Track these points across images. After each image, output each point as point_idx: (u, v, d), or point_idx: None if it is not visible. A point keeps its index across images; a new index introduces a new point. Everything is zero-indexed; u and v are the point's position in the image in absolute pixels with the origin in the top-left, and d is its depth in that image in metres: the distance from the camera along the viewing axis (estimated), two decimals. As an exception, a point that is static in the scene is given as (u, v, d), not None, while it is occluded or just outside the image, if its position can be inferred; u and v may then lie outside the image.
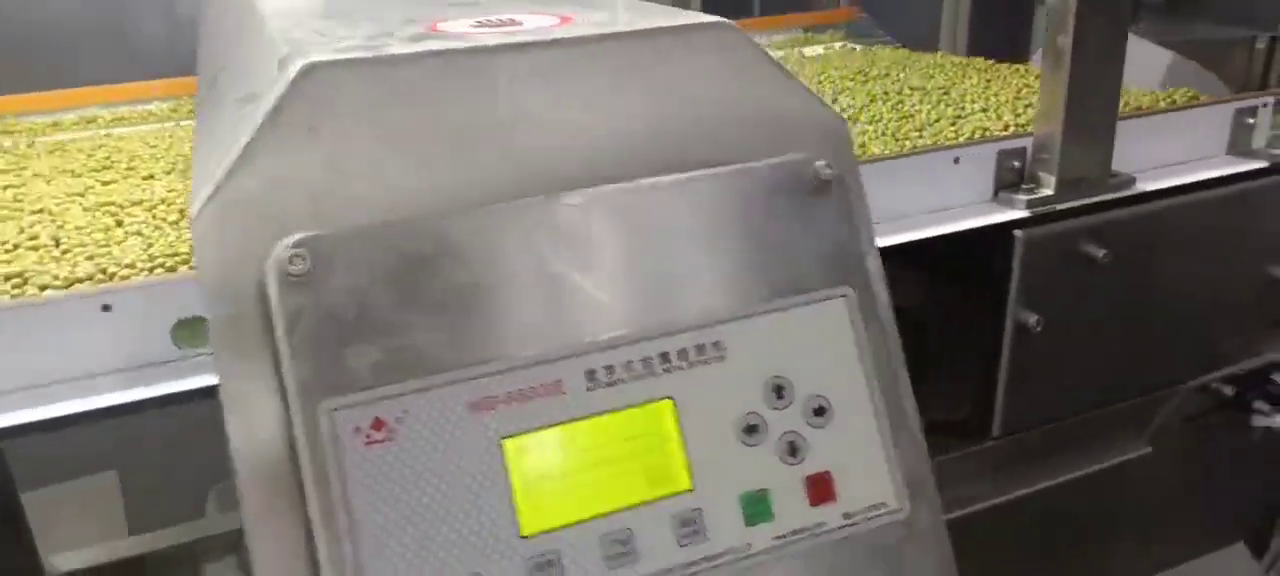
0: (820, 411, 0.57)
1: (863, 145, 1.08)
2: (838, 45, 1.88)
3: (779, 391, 0.56)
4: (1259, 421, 1.15)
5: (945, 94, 1.29)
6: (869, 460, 0.57)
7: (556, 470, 0.51)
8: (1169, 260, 1.08)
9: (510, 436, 0.50)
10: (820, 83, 1.44)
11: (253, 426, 0.49)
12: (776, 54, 1.82)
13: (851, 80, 1.43)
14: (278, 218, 0.50)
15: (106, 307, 0.68)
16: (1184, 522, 1.29)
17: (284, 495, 0.48)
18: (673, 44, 0.60)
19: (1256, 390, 1.15)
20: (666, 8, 0.68)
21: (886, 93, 1.32)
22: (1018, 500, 1.11)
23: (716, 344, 0.55)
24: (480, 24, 0.64)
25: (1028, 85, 1.33)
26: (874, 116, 1.20)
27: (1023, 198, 1.00)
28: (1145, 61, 1.90)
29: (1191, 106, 1.12)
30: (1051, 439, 1.12)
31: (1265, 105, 1.12)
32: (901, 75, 1.45)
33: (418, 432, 0.49)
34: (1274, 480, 1.29)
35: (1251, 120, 1.11)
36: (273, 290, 0.48)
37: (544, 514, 0.50)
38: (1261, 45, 2.19)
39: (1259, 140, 1.12)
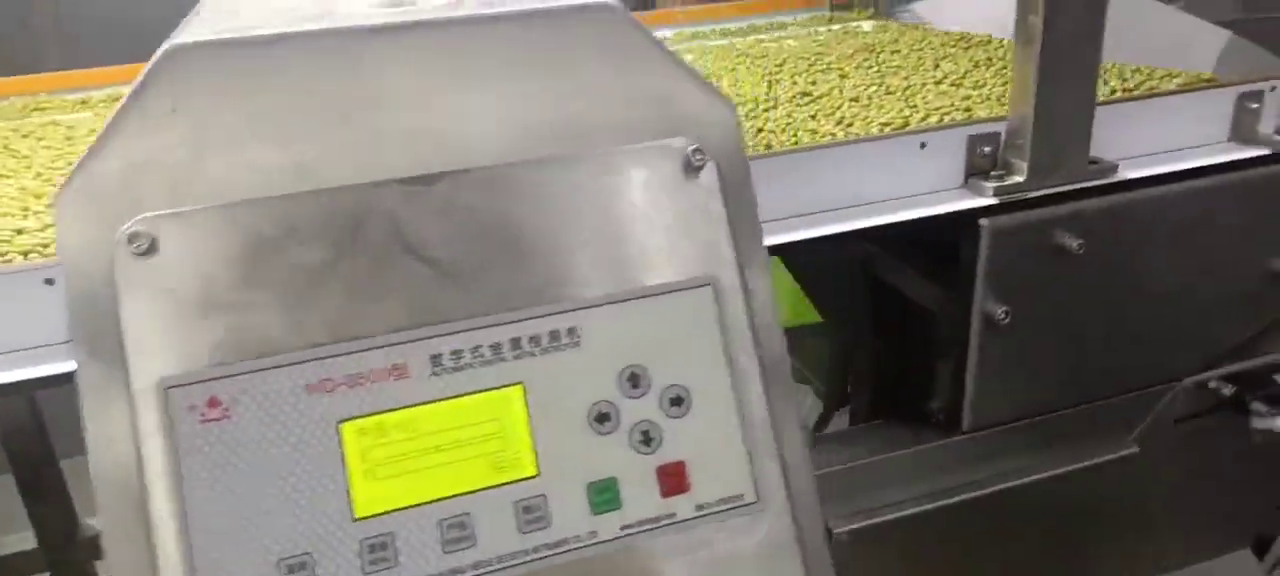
0: (678, 401, 0.56)
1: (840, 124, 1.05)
2: (867, 25, 1.83)
3: (635, 380, 0.55)
4: (1258, 424, 1.09)
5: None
6: (727, 452, 0.56)
7: (396, 454, 0.52)
8: (1154, 252, 1.02)
9: (348, 419, 0.51)
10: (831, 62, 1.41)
11: (105, 403, 0.50)
12: (802, 32, 1.79)
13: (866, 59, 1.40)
14: (134, 198, 0.52)
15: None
16: (1181, 525, 1.23)
17: (130, 475, 0.50)
18: (551, 27, 0.59)
19: (1256, 390, 1.09)
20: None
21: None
22: (994, 495, 1.08)
23: (572, 330, 0.55)
24: (378, 4, 0.64)
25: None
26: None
27: (992, 184, 0.96)
28: (1197, 42, 1.80)
29: (1189, 89, 1.05)
30: (1031, 433, 1.08)
31: (1273, 89, 1.05)
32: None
33: (254, 413, 0.50)
34: (1276, 485, 1.22)
35: (1255, 105, 1.05)
36: (117, 269, 0.50)
37: (380, 497, 0.51)
38: (1328, 22, 2.05)
39: (1266, 126, 1.06)
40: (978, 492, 1.06)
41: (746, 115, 1.13)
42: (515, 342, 0.54)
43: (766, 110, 1.15)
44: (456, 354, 0.53)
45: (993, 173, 0.99)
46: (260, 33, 0.56)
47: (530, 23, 0.59)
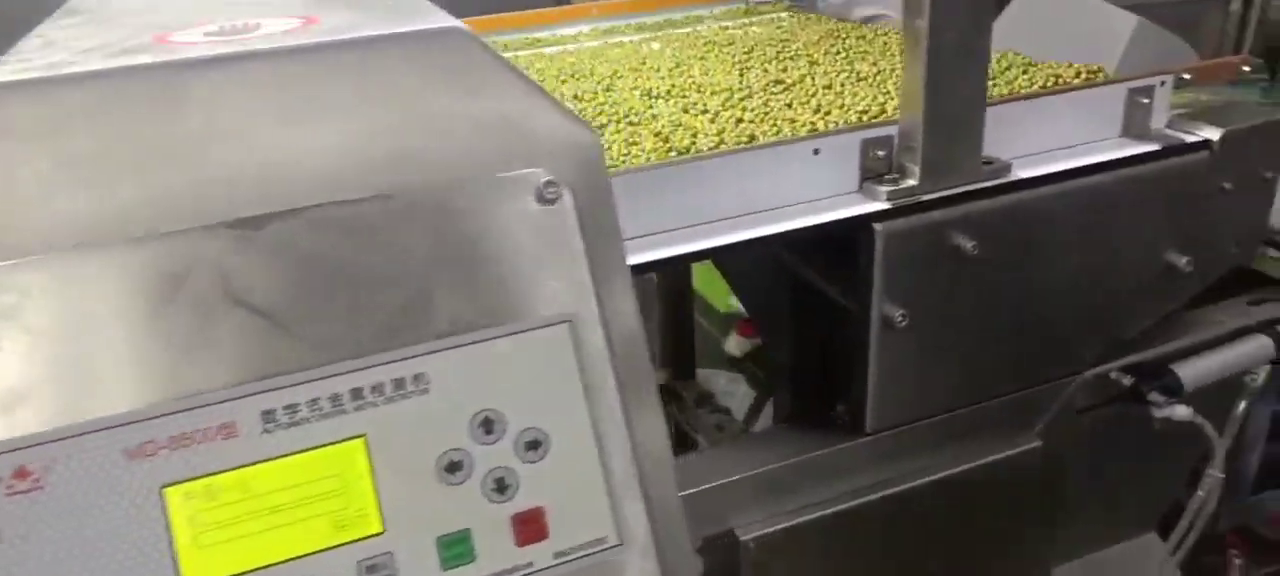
0: (535, 445, 0.54)
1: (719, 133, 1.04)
2: (784, 15, 1.82)
3: (488, 425, 0.53)
4: (1158, 412, 1.11)
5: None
6: (587, 494, 0.54)
7: (227, 518, 0.49)
8: (1050, 250, 1.03)
9: (172, 484, 0.48)
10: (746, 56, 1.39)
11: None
12: (716, 26, 1.77)
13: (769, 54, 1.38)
14: (-65, 253, 0.48)
15: None
16: (1089, 513, 1.25)
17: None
18: (392, 54, 0.57)
19: (1153, 381, 1.11)
20: (417, 8, 0.64)
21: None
22: (901, 494, 1.08)
23: (418, 377, 0.52)
24: (215, 33, 0.61)
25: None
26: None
27: (885, 188, 0.96)
28: (1107, 28, 1.83)
29: (1081, 87, 1.06)
30: (936, 431, 1.08)
31: (1162, 84, 1.06)
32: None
33: (69, 482, 0.47)
34: (1178, 469, 1.25)
35: (1146, 100, 1.05)
36: (-90, 332, 0.46)
37: (210, 565, 0.48)
38: (1236, 6, 2.11)
39: (1157, 120, 1.07)
40: (885, 493, 1.06)
41: (723, 104, 1.11)
42: (356, 393, 0.51)
43: (742, 99, 1.13)
44: (291, 408, 0.50)
45: (887, 176, 0.98)
46: (73, 70, 0.52)
47: (369, 50, 0.56)
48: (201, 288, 0.50)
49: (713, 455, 1.10)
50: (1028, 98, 1.03)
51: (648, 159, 0.95)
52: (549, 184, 0.56)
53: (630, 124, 1.06)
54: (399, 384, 0.52)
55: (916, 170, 0.96)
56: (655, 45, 1.56)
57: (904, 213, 0.96)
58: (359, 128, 0.55)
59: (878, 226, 0.95)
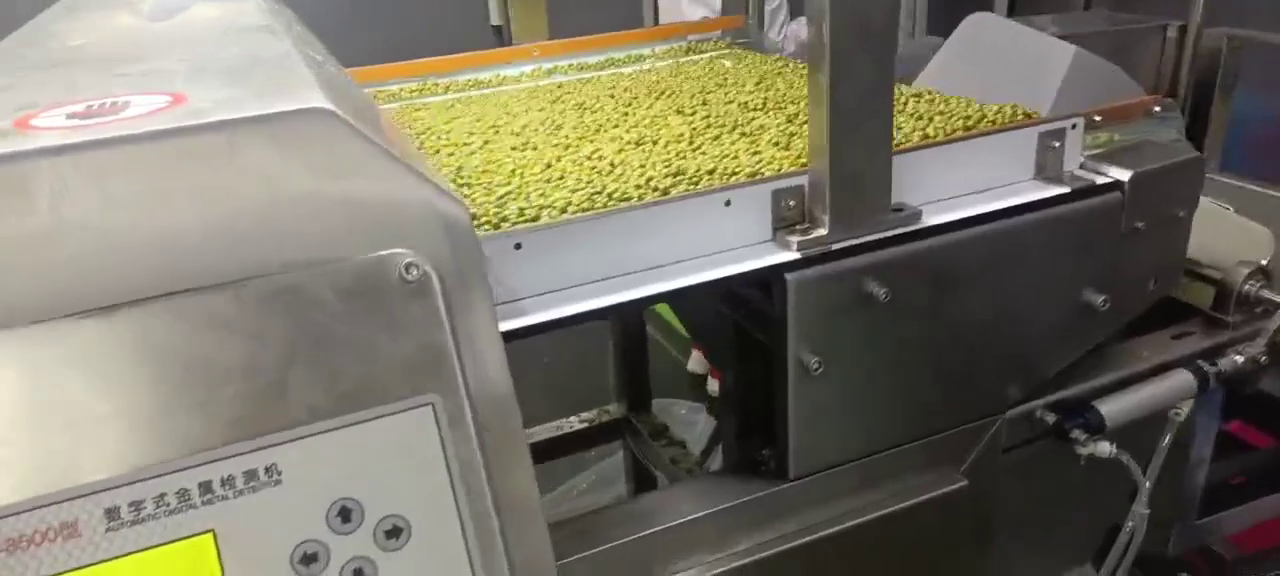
0: (395, 532, 0.53)
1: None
2: (720, 52, 1.83)
3: (346, 514, 0.53)
4: (1081, 450, 1.11)
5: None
6: (450, 579, 0.54)
7: (69, 619, 0.48)
8: (965, 293, 1.03)
9: (9, 588, 0.47)
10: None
11: None
12: (661, 64, 1.78)
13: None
14: None
15: None
16: (1020, 549, 1.25)
17: None
18: (257, 136, 0.56)
19: (1076, 418, 1.11)
20: (292, 82, 0.64)
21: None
22: (827, 539, 1.08)
23: (271, 468, 0.52)
24: (79, 114, 0.60)
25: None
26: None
27: (796, 238, 0.96)
28: (1047, 59, 1.85)
29: (992, 132, 1.07)
30: (861, 474, 1.08)
31: (1073, 127, 1.07)
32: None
33: (-101, 589, 0.46)
34: (1109, 502, 1.25)
35: (1057, 144, 1.07)
36: None
37: (49, 668, 0.47)
38: (1172, 34, 2.14)
39: (1070, 162, 1.08)
40: (811, 538, 1.06)
41: (645, 155, 1.11)
42: (205, 487, 0.50)
43: (665, 146, 1.14)
44: (136, 505, 0.49)
45: (799, 226, 0.99)
46: (-82, 164, 0.51)
47: (234, 133, 0.55)
48: (44, 383, 0.49)
49: (638, 505, 1.10)
50: (938, 144, 1.04)
51: (560, 211, 0.95)
52: (411, 265, 0.55)
53: (543, 178, 1.05)
54: (250, 476, 0.51)
55: (826, 219, 0.96)
56: (584, 88, 1.56)
57: (815, 262, 0.96)
58: (217, 214, 0.55)
59: (789, 276, 0.95)
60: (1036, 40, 1.92)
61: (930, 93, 1.29)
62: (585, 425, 2.09)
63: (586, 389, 2.17)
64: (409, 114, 1.42)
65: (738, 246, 0.98)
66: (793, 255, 0.96)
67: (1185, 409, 1.15)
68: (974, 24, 1.99)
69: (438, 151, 1.15)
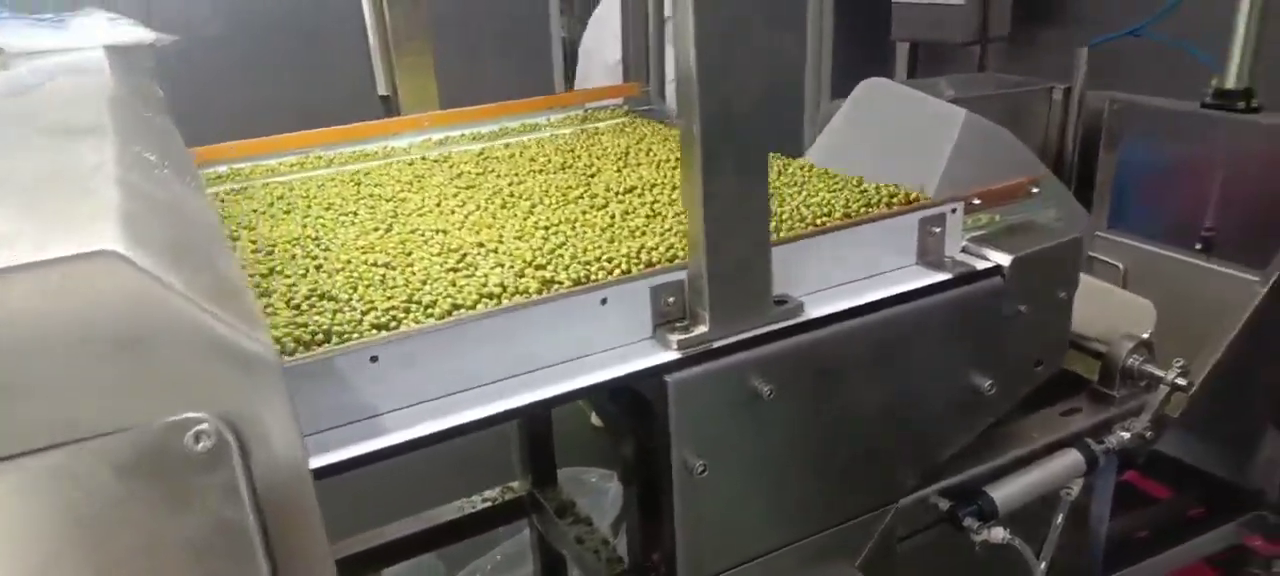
0: None
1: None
2: (618, 120, 1.81)
3: None
4: (975, 537, 1.09)
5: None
6: None
7: None
8: (850, 384, 1.01)
9: None
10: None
11: None
12: (559, 132, 1.75)
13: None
14: None
15: None
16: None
17: None
18: (19, 286, 0.49)
19: (968, 505, 1.09)
20: (86, 211, 0.57)
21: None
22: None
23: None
24: None
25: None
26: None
27: (676, 337, 0.92)
28: (939, 124, 1.88)
29: (873, 219, 1.05)
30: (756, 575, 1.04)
31: (953, 211, 1.07)
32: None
33: None
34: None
35: (938, 229, 1.06)
36: None
37: None
38: (1058, 96, 2.20)
39: (950, 248, 1.07)
40: (705, 644, 1.01)
41: (524, 246, 1.05)
42: None
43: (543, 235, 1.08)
44: None
45: (680, 322, 0.95)
46: None
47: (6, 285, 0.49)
48: None
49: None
50: (819, 233, 1.02)
51: (424, 314, 0.89)
52: (201, 433, 0.49)
53: (407, 277, 0.99)
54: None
55: (706, 316, 0.93)
56: (466, 164, 1.50)
57: (696, 361, 0.92)
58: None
59: (670, 378, 0.91)
60: (928, 105, 1.95)
61: (815, 170, 1.28)
62: (488, 504, 2.01)
63: (489, 461, 2.09)
64: (278, 196, 1.35)
65: (617, 345, 0.94)
66: (673, 355, 0.92)
67: (1075, 488, 1.14)
68: (867, 89, 2.01)
69: (294, 244, 1.08)
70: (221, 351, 0.52)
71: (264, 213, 1.24)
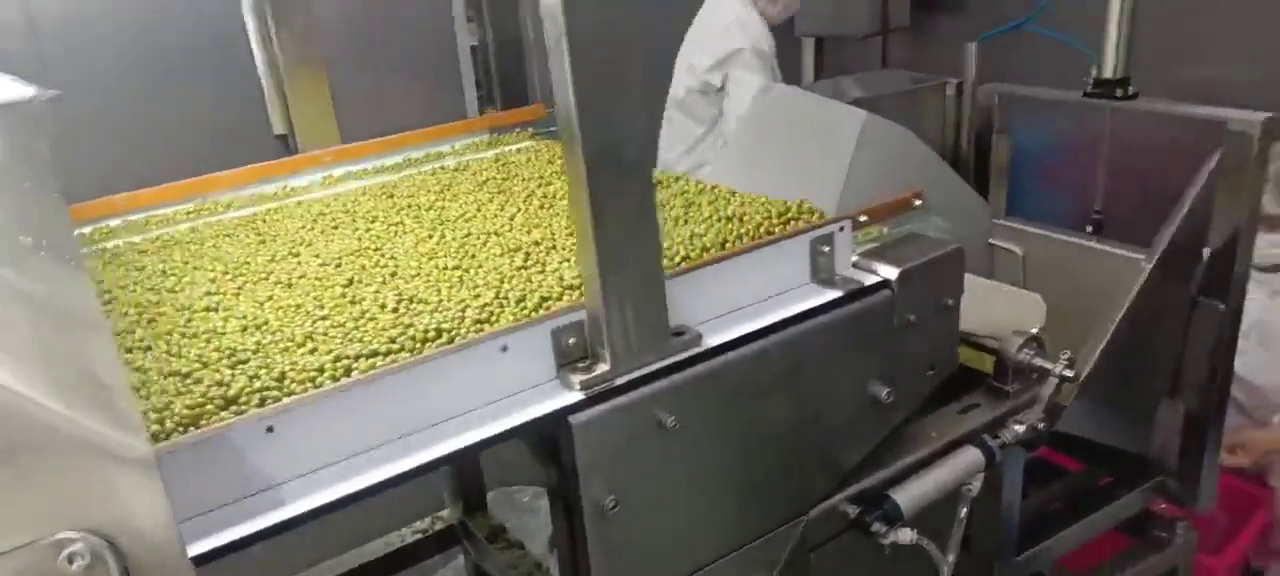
0: None
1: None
2: (523, 145, 1.81)
3: None
4: (883, 540, 1.13)
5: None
6: None
7: None
8: (753, 405, 1.03)
9: None
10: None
11: None
12: (468, 158, 1.74)
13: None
14: None
15: None
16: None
17: None
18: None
19: (874, 510, 1.13)
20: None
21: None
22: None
23: None
24: None
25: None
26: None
27: (579, 378, 0.93)
28: (840, 126, 1.92)
29: (765, 243, 1.07)
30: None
31: (841, 230, 1.10)
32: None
33: None
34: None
35: (827, 248, 1.09)
36: None
37: None
38: (950, 93, 2.26)
39: (841, 265, 1.10)
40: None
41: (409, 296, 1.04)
42: None
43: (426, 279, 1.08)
44: None
45: (582, 362, 0.96)
46: None
47: None
48: None
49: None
50: (712, 261, 1.04)
51: (320, 375, 0.88)
52: (74, 555, 0.49)
53: (303, 335, 0.98)
54: None
55: (607, 354, 0.94)
56: (364, 203, 1.48)
57: (599, 399, 0.94)
58: None
59: (574, 420, 0.92)
60: (828, 109, 2.00)
61: (710, 189, 1.30)
62: (419, 536, 2.00)
63: (419, 489, 2.08)
64: (167, 253, 1.31)
65: (521, 389, 0.95)
66: (576, 396, 0.93)
67: (976, 483, 1.19)
68: (767, 94, 2.06)
69: (183, 312, 1.06)
70: (90, 460, 0.52)
71: (151, 274, 1.21)
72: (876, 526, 1.12)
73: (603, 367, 0.94)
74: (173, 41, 2.71)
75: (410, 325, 0.96)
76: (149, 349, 0.97)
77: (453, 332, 0.95)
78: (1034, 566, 1.60)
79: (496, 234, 1.21)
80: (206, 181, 1.62)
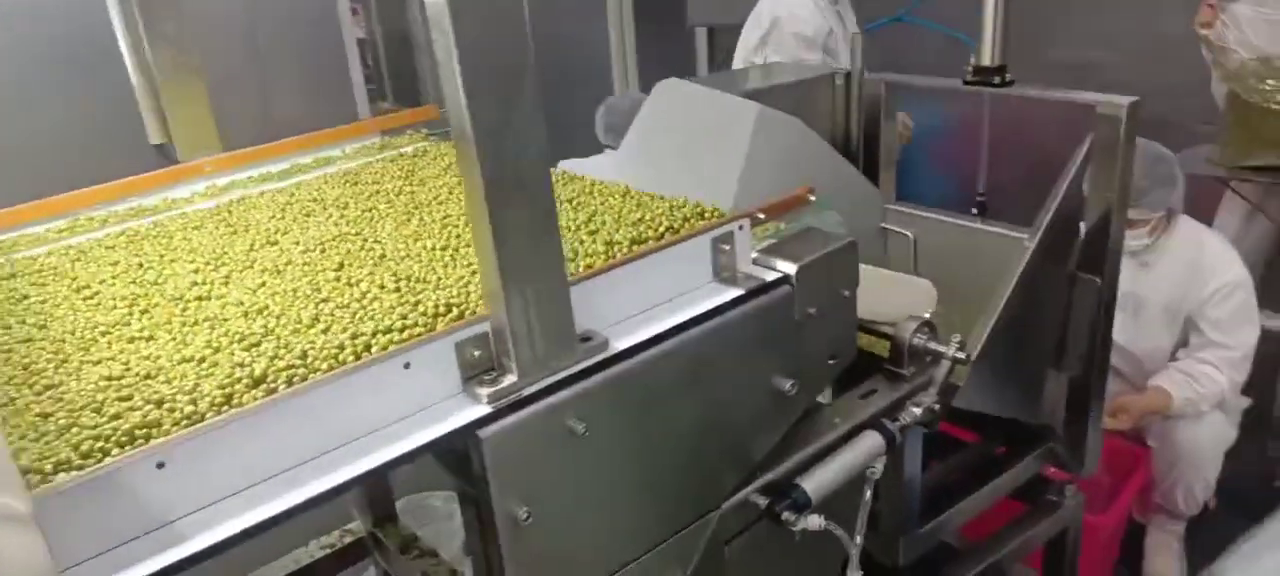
0: None
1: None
2: (412, 149, 1.77)
3: None
4: (794, 528, 1.15)
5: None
6: None
7: None
8: (662, 406, 1.04)
9: None
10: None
11: None
12: (356, 163, 1.69)
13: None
14: None
15: None
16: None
17: None
18: None
19: (783, 499, 1.15)
20: None
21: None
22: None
23: None
24: None
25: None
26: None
27: (486, 391, 0.92)
28: (735, 119, 1.94)
29: (667, 245, 1.08)
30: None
31: (740, 228, 1.12)
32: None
33: None
34: (834, 559, 1.31)
35: (728, 247, 1.10)
36: None
37: None
38: (840, 82, 2.31)
39: (742, 263, 1.12)
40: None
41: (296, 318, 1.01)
42: None
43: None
44: None
45: (488, 374, 0.95)
46: None
47: None
48: None
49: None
50: (616, 266, 1.04)
51: (210, 406, 0.84)
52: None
53: (190, 361, 0.93)
54: None
55: (513, 364, 0.93)
56: (249, 214, 1.43)
57: (508, 411, 0.93)
58: None
59: (483, 433, 0.91)
60: (723, 102, 2.02)
61: (613, 190, 1.30)
62: (327, 551, 1.95)
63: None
64: (37, 278, 1.24)
65: (428, 405, 0.93)
66: (484, 409, 0.92)
67: (879, 466, 1.23)
68: (665, 90, 2.06)
69: (60, 343, 1.00)
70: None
71: (23, 308, 1.14)
72: (786, 515, 1.14)
73: (510, 378, 0.93)
74: (40, 50, 2.54)
75: (307, 347, 0.92)
76: (20, 388, 0.91)
77: (354, 350, 0.92)
78: (937, 537, 1.66)
79: (387, 242, 1.18)
80: (78, 198, 1.53)
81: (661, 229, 1.13)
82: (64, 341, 1.01)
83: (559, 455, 0.97)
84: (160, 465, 0.78)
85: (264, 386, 0.87)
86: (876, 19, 2.52)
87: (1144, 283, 2.29)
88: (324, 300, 1.03)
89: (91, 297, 1.13)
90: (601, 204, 1.26)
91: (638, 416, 1.02)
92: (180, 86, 1.68)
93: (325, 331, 0.96)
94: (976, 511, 1.75)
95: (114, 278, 1.19)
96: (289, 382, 0.88)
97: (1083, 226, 1.62)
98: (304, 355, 0.91)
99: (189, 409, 0.84)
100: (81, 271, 1.23)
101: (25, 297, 1.16)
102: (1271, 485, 2.48)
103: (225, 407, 0.85)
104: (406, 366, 0.91)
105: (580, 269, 1.05)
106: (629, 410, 1.01)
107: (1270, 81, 2.54)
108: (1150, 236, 2.23)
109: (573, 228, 1.16)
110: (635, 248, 1.09)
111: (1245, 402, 2.38)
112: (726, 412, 1.11)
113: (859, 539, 1.24)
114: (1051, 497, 1.83)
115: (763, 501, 1.17)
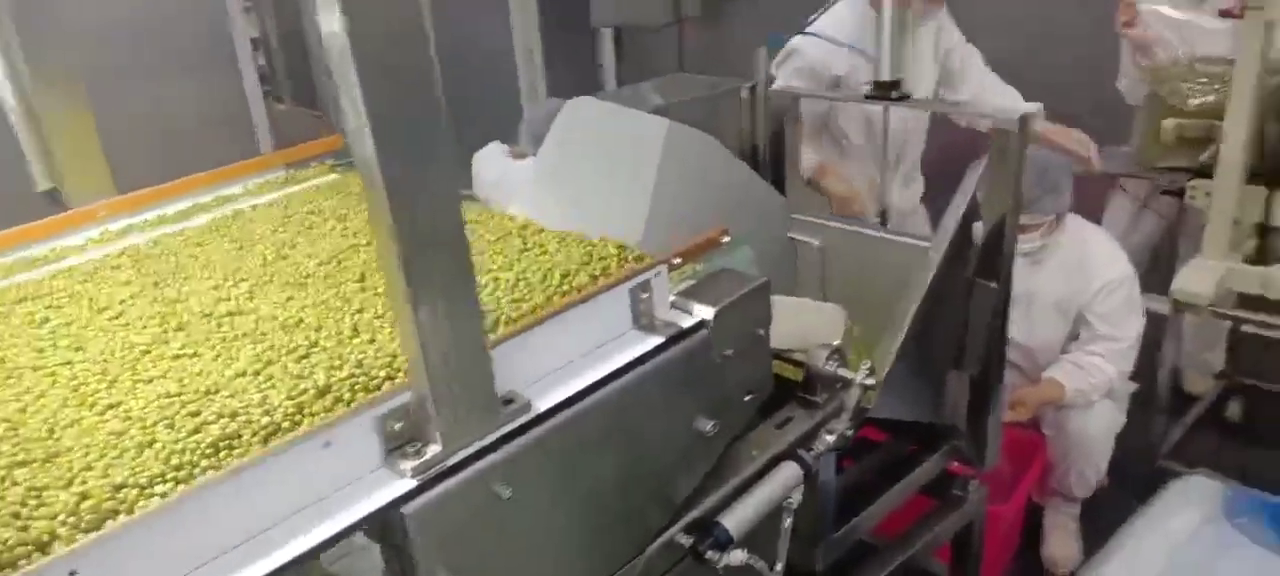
0: None
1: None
2: (325, 181, 1.72)
3: None
4: (718, 566, 1.18)
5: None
6: None
7: None
8: (588, 459, 1.05)
9: None
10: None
11: None
12: (257, 200, 1.63)
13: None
14: None
15: None
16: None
17: None
18: None
19: (706, 537, 1.18)
20: None
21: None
22: None
23: None
24: None
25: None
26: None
27: (409, 464, 0.92)
28: (644, 136, 1.95)
29: (584, 298, 1.08)
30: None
31: (658, 275, 1.13)
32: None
33: None
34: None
35: (646, 294, 1.12)
36: None
37: None
38: (745, 94, 2.34)
39: (660, 309, 1.14)
40: None
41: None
42: None
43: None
44: None
45: (411, 444, 0.94)
46: None
47: None
48: None
49: None
50: (535, 324, 1.04)
51: (124, 504, 0.82)
52: None
53: (98, 447, 0.90)
54: None
55: (437, 434, 0.93)
56: (152, 265, 1.38)
57: (433, 483, 0.92)
58: None
59: (407, 509, 0.90)
60: (632, 120, 2.03)
61: (528, 234, 1.30)
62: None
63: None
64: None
65: (349, 482, 0.92)
66: (408, 484, 0.91)
67: (796, 497, 1.26)
68: (572, 110, 2.05)
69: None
70: None
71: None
72: (709, 554, 1.17)
73: (434, 449, 0.93)
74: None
75: (218, 430, 0.90)
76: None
77: (266, 432, 0.91)
78: (853, 537, 1.72)
79: (298, 299, 1.16)
80: (-42, 251, 1.45)
81: (581, 280, 1.13)
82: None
83: (485, 521, 0.97)
84: (73, 574, 0.75)
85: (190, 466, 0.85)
86: (780, 28, 2.55)
87: (1035, 280, 2.40)
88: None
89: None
90: (521, 248, 1.26)
91: (563, 473, 1.03)
92: (69, 127, 1.59)
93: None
94: (888, 510, 1.81)
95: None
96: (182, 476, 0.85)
97: (977, 230, 1.68)
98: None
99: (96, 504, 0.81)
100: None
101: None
102: (1155, 465, 2.63)
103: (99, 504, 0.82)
104: (326, 445, 0.89)
105: (501, 326, 1.04)
106: (554, 468, 1.02)
107: (1187, 83, 2.62)
108: (1041, 238, 2.34)
109: (489, 284, 1.15)
110: (558, 299, 1.10)
111: (1132, 387, 2.52)
112: (650, 458, 1.12)
113: (779, 566, 1.28)
114: (956, 492, 1.91)
115: (686, 541, 1.19)
